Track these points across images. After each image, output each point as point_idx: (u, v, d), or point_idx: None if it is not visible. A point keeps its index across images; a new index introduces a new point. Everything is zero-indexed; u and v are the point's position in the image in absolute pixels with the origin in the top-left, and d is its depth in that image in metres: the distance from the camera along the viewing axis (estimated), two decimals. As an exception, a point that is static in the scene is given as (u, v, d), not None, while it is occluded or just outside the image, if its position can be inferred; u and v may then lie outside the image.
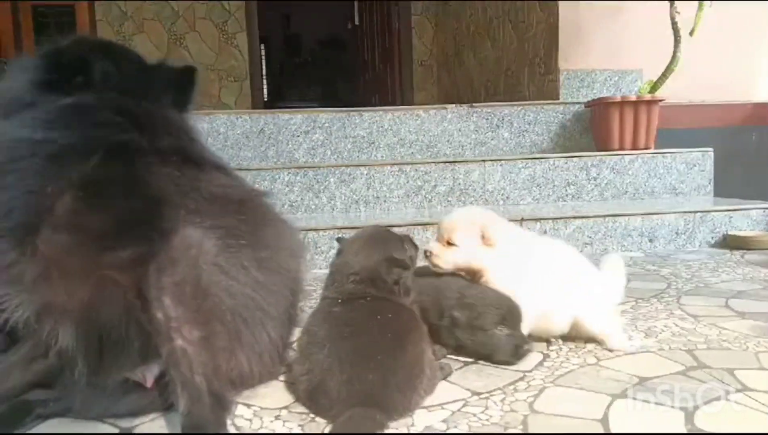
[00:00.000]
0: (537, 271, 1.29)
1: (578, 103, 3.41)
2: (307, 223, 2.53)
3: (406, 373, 0.98)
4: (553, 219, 2.48)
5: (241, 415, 1.02)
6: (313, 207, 2.82)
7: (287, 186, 2.80)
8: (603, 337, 1.29)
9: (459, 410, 1.01)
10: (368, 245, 1.16)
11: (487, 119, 3.36)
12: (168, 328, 0.88)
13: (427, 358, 1.04)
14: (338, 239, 1.23)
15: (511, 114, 3.38)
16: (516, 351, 1.20)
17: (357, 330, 1.01)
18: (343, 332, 1.01)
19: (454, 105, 3.38)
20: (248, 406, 1.05)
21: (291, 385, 1.10)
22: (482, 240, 1.28)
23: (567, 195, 2.91)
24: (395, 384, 0.95)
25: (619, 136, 3.09)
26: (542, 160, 2.93)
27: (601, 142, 3.18)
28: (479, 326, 1.21)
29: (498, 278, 1.27)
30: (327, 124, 3.32)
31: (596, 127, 3.22)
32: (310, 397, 1.00)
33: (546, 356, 1.26)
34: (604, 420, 0.96)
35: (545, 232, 2.46)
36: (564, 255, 1.37)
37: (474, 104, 3.39)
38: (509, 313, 1.21)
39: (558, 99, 3.55)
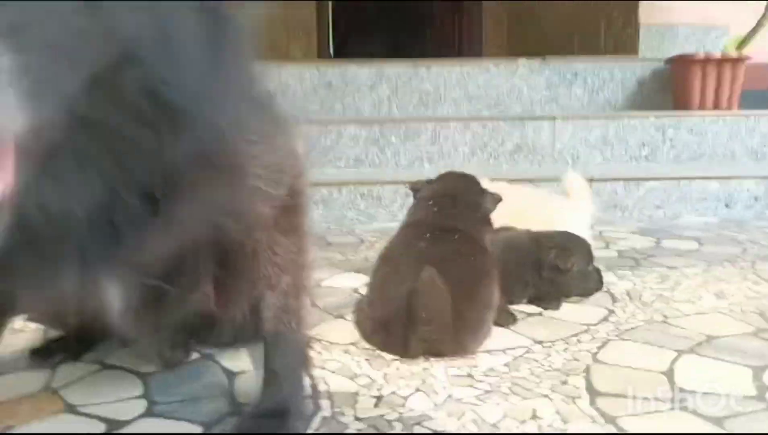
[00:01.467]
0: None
1: (657, 59, 3.25)
2: (371, 177, 2.56)
3: (479, 315, 1.01)
4: (624, 180, 2.42)
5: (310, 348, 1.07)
6: (377, 162, 2.84)
7: (352, 140, 2.83)
8: None
9: (522, 356, 1.03)
10: (461, 178, 1.20)
11: (560, 74, 3.25)
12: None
13: (495, 302, 1.07)
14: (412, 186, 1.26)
15: (586, 69, 3.26)
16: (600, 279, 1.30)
17: (441, 270, 1.01)
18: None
19: (525, 58, 3.29)
20: (319, 340, 1.11)
21: (361, 317, 1.14)
22: None
23: (640, 156, 2.81)
24: (468, 325, 0.99)
25: (700, 95, 2.94)
26: (616, 118, 2.84)
27: (679, 102, 3.03)
28: (579, 268, 1.26)
29: None
30: (394, 78, 3.30)
31: (676, 86, 3.07)
32: (385, 328, 1.03)
33: (611, 312, 1.26)
34: (669, 373, 0.96)
35: (615, 193, 2.40)
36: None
37: (547, 57, 3.28)
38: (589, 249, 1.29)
39: (636, 54, 3.39)
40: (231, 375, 0.97)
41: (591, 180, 2.36)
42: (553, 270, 1.24)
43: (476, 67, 3.29)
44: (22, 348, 1.08)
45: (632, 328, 1.16)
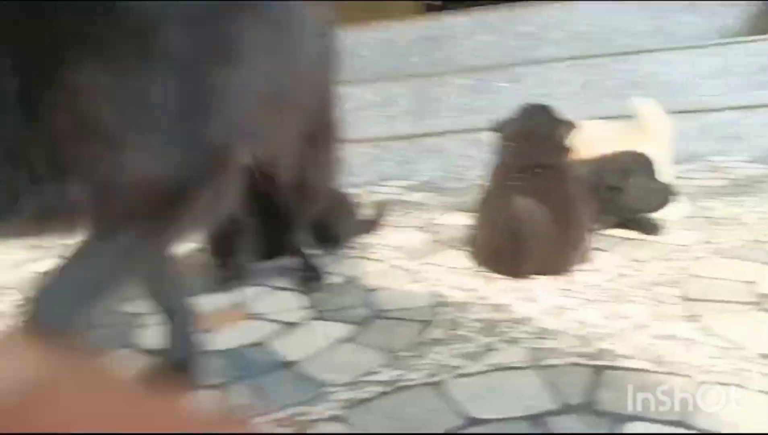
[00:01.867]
0: None
1: (781, -23, 3.04)
2: (474, 124, 2.68)
3: (575, 233, 1.18)
4: (741, 108, 2.36)
5: (430, 272, 1.28)
6: (483, 109, 2.94)
7: (457, 89, 2.95)
8: None
9: (617, 273, 1.17)
10: (536, 111, 1.33)
11: (670, 1, 3.14)
12: None
13: (588, 222, 1.22)
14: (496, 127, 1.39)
15: (699, -5, 3.12)
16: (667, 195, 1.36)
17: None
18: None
19: (630, -8, 3.20)
20: (439, 265, 1.31)
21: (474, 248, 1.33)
22: None
23: (759, 83, 2.69)
24: (568, 242, 1.16)
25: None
26: (733, 45, 2.73)
27: (807, 20, 2.84)
28: (639, 184, 1.35)
29: None
30: (494, 23, 3.34)
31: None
32: (495, 254, 1.22)
33: (709, 234, 1.34)
34: (753, 283, 1.06)
35: (731, 123, 2.36)
36: None
37: (656, -12, 3.17)
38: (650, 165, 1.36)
39: (757, -26, 3.18)
40: (369, 291, 1.20)
41: (706, 110, 2.35)
42: (611, 190, 1.34)
43: (578, 4, 3.25)
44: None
45: (728, 248, 1.25)
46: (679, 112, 2.40)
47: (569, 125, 1.28)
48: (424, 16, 3.49)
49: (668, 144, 1.59)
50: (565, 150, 1.26)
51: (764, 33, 2.94)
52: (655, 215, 1.43)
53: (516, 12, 3.30)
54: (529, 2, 3.35)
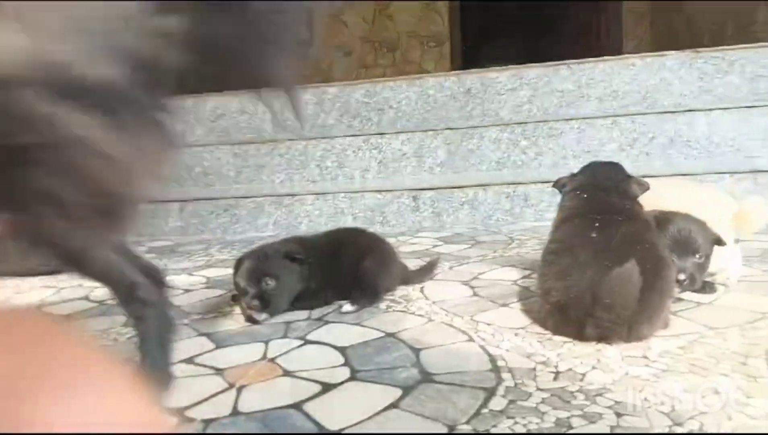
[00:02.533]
0: None
1: (829, 39, 2.97)
2: (515, 178, 2.61)
3: (659, 303, 1.04)
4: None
5: (483, 331, 1.16)
6: (519, 163, 2.88)
7: (494, 143, 2.89)
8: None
9: (696, 340, 1.04)
10: (605, 166, 1.26)
11: (714, 65, 3.08)
12: None
13: (674, 289, 1.09)
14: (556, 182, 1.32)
15: (744, 57, 3.05)
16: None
17: (618, 258, 1.04)
18: (608, 257, 1.06)
19: (674, 51, 3.15)
20: (489, 324, 1.20)
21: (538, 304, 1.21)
22: None
23: (811, 144, 2.59)
24: (648, 314, 1.03)
25: None
26: (779, 105, 2.64)
27: None
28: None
29: None
30: (534, 80, 3.32)
31: None
32: (561, 312, 1.09)
33: (790, 301, 1.22)
34: None
35: (783, 184, 2.24)
36: None
37: (698, 49, 3.13)
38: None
39: (804, 37, 3.13)
40: (416, 350, 1.09)
41: (755, 171, 2.25)
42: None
43: (620, 63, 3.21)
44: (235, 328, 1.29)
45: (816, 317, 1.12)
46: (729, 172, 2.31)
47: (641, 182, 1.20)
48: (464, 72, 3.47)
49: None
50: (638, 202, 1.17)
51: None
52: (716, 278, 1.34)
53: (558, 69, 3.27)
54: (570, 62, 3.31)
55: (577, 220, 1.19)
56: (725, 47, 3.17)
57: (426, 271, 1.56)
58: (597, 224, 1.12)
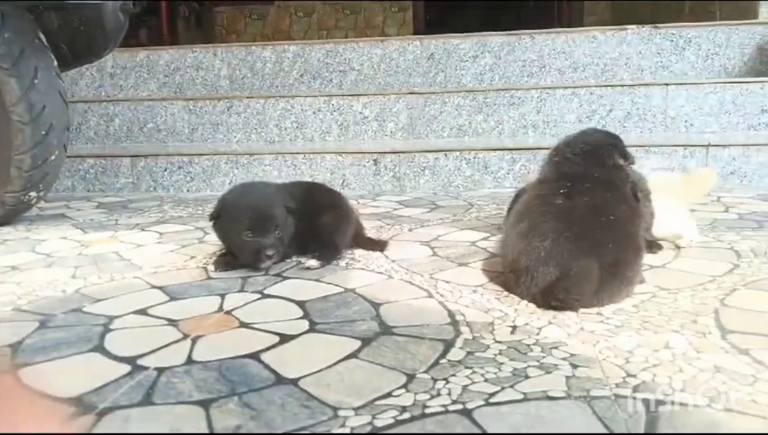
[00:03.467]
0: None
1: (781, 22, 3.06)
2: (475, 145, 2.61)
3: (618, 290, 1.04)
4: (744, 145, 2.33)
5: (442, 288, 1.17)
6: (480, 131, 2.88)
7: (456, 109, 2.88)
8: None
9: (648, 299, 1.07)
10: (588, 133, 1.24)
11: (672, 41, 3.14)
12: None
13: (638, 276, 1.09)
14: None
15: (699, 35, 3.13)
16: None
17: (582, 229, 1.04)
18: (568, 228, 1.04)
19: (635, 26, 3.19)
20: (447, 282, 1.20)
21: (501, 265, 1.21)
22: None
23: (760, 123, 2.68)
24: (603, 297, 1.03)
25: (831, 57, 2.75)
26: (734, 84, 2.71)
27: (806, 65, 2.85)
28: None
29: None
30: (496, 49, 3.32)
31: (802, 49, 2.89)
32: (516, 275, 1.09)
33: (736, 265, 1.26)
34: (803, 317, 0.97)
35: (733, 159, 2.32)
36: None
37: (658, 25, 3.18)
38: None
39: (757, 18, 3.21)
40: (375, 305, 1.08)
41: (708, 145, 2.31)
42: None
43: (582, 35, 3.24)
44: (189, 281, 1.25)
45: (759, 280, 1.17)
46: (683, 145, 2.37)
47: (627, 154, 1.20)
48: (428, 37, 3.43)
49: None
50: (621, 170, 1.16)
51: (760, 75, 2.95)
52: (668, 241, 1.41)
53: (521, 38, 3.27)
54: (534, 31, 3.32)
55: (546, 184, 1.17)
56: (682, 24, 3.23)
57: (377, 244, 1.51)
58: (563, 191, 1.10)
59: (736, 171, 2.33)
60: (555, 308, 1.02)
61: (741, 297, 1.08)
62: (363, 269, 1.32)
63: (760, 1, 3.23)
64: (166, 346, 0.92)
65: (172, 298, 1.15)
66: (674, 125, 2.72)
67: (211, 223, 1.37)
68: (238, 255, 1.32)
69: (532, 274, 1.05)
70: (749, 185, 2.30)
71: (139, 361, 0.87)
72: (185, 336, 0.96)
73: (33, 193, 1.84)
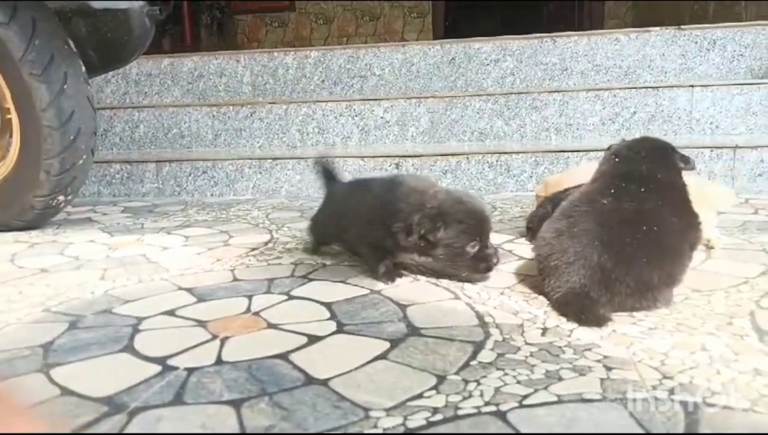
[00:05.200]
0: None
1: (809, 22, 3.01)
2: (497, 148, 2.59)
3: (659, 296, 1.00)
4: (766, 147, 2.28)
5: (469, 289, 1.16)
6: (502, 134, 2.86)
7: (477, 113, 2.87)
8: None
9: (681, 301, 1.05)
10: (643, 138, 1.20)
11: (696, 42, 3.10)
12: None
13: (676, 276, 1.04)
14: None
15: (725, 37, 3.08)
16: None
17: (613, 239, 1.00)
18: (614, 232, 1.01)
19: (658, 28, 3.16)
20: (474, 284, 1.19)
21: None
22: None
23: (786, 125, 2.63)
24: (640, 304, 1.00)
25: None
26: (761, 86, 2.66)
27: (836, 66, 2.79)
28: None
29: None
30: (518, 52, 3.30)
31: (832, 49, 2.83)
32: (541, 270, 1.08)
33: (770, 268, 1.23)
34: (844, 320, 0.94)
35: (761, 160, 2.27)
36: None
37: (682, 27, 3.13)
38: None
39: (784, 18, 3.16)
40: (402, 306, 1.07)
41: (735, 147, 2.27)
42: None
43: (604, 38, 3.21)
44: (216, 283, 1.26)
45: (796, 283, 1.14)
46: (709, 148, 2.33)
47: (687, 159, 1.15)
48: (449, 41, 3.43)
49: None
50: (677, 175, 1.12)
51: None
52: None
53: (543, 41, 3.25)
54: (555, 35, 3.30)
55: (596, 184, 1.13)
56: (707, 25, 3.18)
57: None
58: (613, 191, 1.06)
59: (764, 172, 2.28)
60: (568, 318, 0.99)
61: (777, 299, 1.05)
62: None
63: (788, 1, 3.18)
64: (195, 346, 0.92)
65: (200, 300, 1.16)
66: (699, 127, 2.67)
67: (419, 232, 1.17)
68: (449, 267, 1.21)
69: (557, 276, 1.03)
70: (778, 187, 2.26)
71: (169, 362, 0.87)
72: (214, 337, 0.96)
73: (61, 197, 1.87)
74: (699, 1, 4.15)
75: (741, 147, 2.29)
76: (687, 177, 1.50)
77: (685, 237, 1.04)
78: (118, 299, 1.18)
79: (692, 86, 2.68)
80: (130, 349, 0.93)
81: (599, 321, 0.94)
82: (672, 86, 2.72)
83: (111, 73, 3.47)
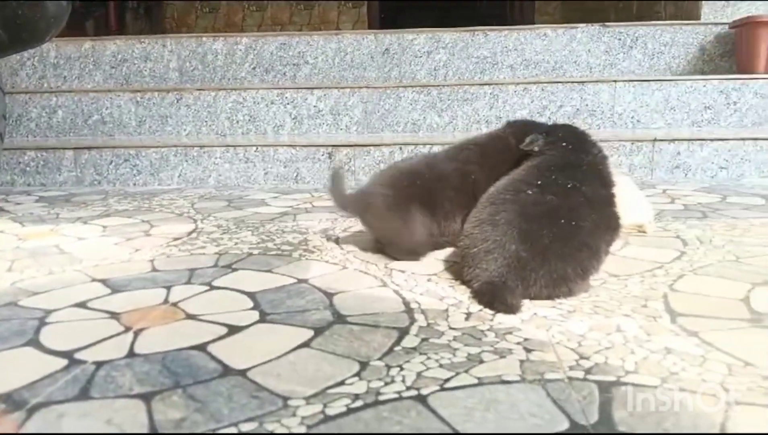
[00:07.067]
0: None
1: (722, 23, 3.18)
2: (430, 139, 2.61)
3: (573, 286, 1.02)
4: (688, 140, 2.40)
5: (396, 277, 1.15)
6: (434, 126, 2.89)
7: (411, 104, 2.88)
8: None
9: (599, 286, 1.08)
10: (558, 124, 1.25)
11: (620, 39, 3.22)
12: None
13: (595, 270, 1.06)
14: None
15: (646, 34, 3.21)
16: None
17: (536, 229, 1.01)
18: (534, 224, 1.02)
19: (584, 24, 3.26)
20: (402, 271, 1.19)
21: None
22: None
23: (703, 120, 2.77)
24: (551, 293, 1.01)
25: (767, 58, 2.87)
26: (678, 82, 2.80)
27: (744, 65, 2.96)
28: None
29: None
30: (450, 45, 3.33)
31: (740, 49, 3.00)
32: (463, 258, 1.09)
33: (683, 253, 1.29)
34: (746, 300, 1.00)
35: (678, 153, 2.39)
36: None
37: (606, 24, 3.25)
38: None
39: (699, 19, 3.32)
40: (329, 295, 1.05)
41: (654, 140, 2.37)
42: None
43: (533, 33, 3.29)
44: (133, 274, 1.20)
45: (705, 266, 1.20)
46: (630, 141, 2.43)
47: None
48: (383, 31, 3.42)
49: None
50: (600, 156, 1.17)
51: (706, 75, 3.05)
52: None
53: (475, 35, 3.30)
54: (487, 28, 3.34)
55: (524, 173, 1.15)
56: (630, 23, 3.31)
57: None
58: (540, 182, 1.08)
59: (680, 165, 2.40)
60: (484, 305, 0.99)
61: (688, 282, 1.10)
62: (317, 260, 1.29)
63: (702, 2, 3.35)
64: (105, 339, 0.87)
65: (115, 291, 1.10)
66: (621, 121, 2.78)
67: None
68: None
69: (477, 264, 1.04)
70: (693, 178, 2.38)
71: (76, 355, 0.82)
72: (127, 329, 0.91)
73: (-35, 186, 1.74)
74: (624, 1, 4.31)
75: (659, 140, 2.40)
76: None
77: (602, 236, 1.06)
78: (25, 291, 1.10)
79: (615, 81, 2.78)
80: (34, 343, 0.87)
81: (512, 309, 0.96)
82: (596, 81, 2.82)
83: (26, 55, 3.26)
